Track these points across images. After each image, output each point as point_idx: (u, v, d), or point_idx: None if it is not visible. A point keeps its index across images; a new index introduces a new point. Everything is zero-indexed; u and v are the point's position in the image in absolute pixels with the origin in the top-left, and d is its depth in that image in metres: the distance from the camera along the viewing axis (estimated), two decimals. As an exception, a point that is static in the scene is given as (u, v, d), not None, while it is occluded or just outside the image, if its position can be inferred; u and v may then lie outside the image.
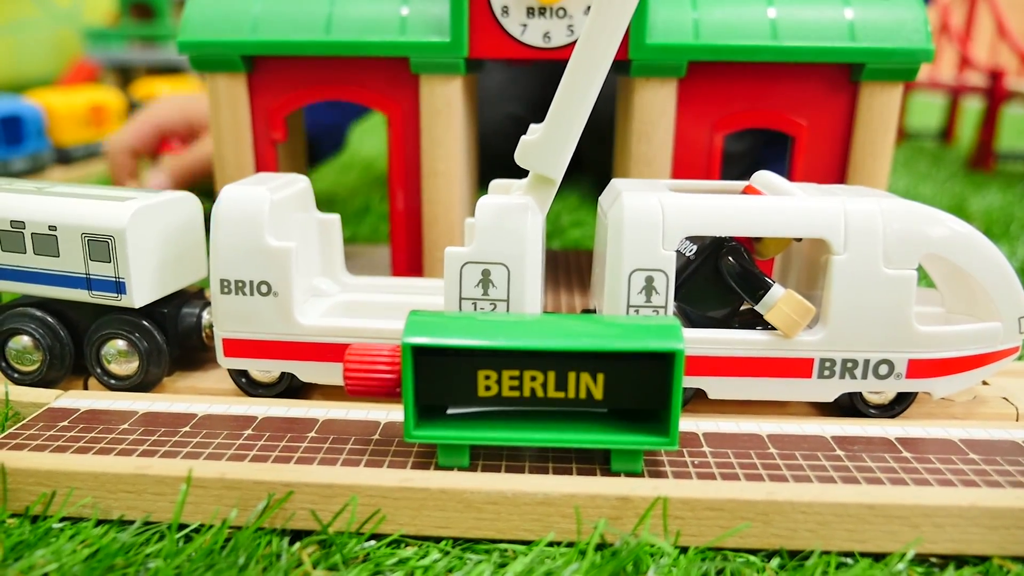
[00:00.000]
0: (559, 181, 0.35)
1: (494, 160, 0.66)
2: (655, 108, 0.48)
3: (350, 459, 0.32)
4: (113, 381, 0.40)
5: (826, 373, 0.37)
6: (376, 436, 0.34)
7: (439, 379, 0.31)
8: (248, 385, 0.40)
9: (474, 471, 0.32)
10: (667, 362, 0.30)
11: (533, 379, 0.31)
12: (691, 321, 0.39)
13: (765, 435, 0.35)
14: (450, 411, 0.33)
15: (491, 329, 0.31)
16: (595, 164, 0.88)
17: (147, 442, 0.34)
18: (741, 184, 0.40)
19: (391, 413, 0.37)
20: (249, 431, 0.35)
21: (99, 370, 0.40)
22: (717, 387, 0.37)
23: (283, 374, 0.39)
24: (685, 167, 0.50)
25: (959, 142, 1.64)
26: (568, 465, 0.32)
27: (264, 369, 0.39)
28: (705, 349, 0.37)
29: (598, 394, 0.31)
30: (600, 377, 0.31)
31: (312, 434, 0.35)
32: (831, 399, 0.38)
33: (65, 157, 1.10)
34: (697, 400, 0.39)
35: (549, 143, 0.34)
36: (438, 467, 0.32)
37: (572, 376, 0.31)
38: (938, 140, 1.67)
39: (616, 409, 0.32)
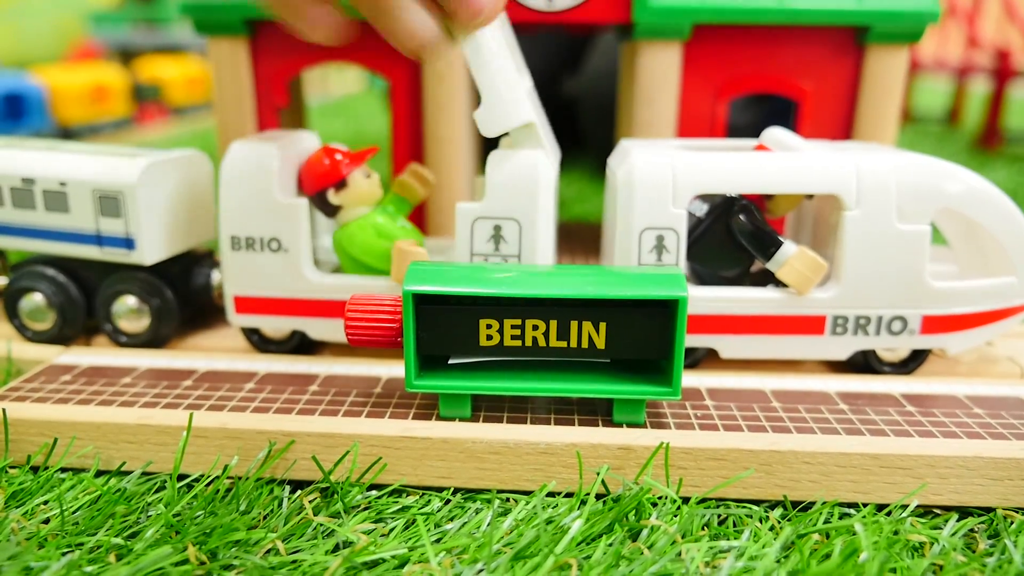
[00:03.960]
0: (533, 118, 0.35)
1: None
2: (659, 71, 0.48)
3: (351, 411, 0.32)
4: (124, 338, 0.40)
5: (839, 330, 0.36)
6: (378, 390, 0.34)
7: (441, 328, 0.31)
8: (260, 342, 0.40)
9: (476, 422, 0.32)
10: (670, 311, 0.30)
11: (535, 328, 0.31)
12: (703, 280, 0.39)
13: (768, 390, 0.35)
14: (452, 361, 0.32)
15: (493, 277, 0.31)
16: (598, 141, 0.88)
17: (149, 394, 0.34)
18: (752, 142, 0.40)
19: (393, 368, 0.36)
20: (251, 384, 0.35)
21: (110, 326, 0.40)
22: (729, 346, 0.37)
23: (294, 331, 0.39)
24: (689, 132, 0.49)
25: (964, 124, 1.63)
26: (570, 416, 0.32)
27: (274, 327, 0.39)
28: (717, 307, 0.36)
29: (600, 344, 0.31)
30: (602, 326, 0.30)
31: (314, 387, 0.34)
32: (844, 357, 0.37)
33: (67, 136, 1.10)
34: (709, 359, 0.38)
35: (491, 102, 0.34)
36: (440, 418, 0.32)
37: (574, 325, 0.30)
38: (943, 123, 1.66)
39: (619, 360, 0.32)
